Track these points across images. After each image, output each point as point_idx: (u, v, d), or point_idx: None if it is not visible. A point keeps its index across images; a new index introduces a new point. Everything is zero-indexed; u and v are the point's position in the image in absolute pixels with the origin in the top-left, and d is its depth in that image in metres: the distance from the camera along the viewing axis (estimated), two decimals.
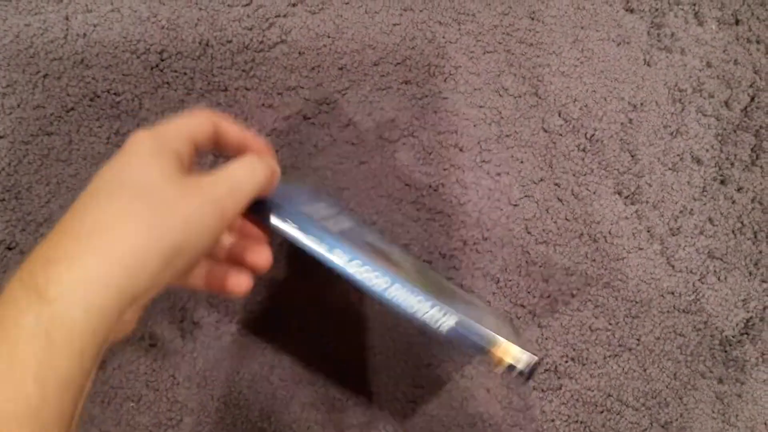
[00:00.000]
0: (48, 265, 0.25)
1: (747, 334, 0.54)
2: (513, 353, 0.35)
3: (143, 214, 0.26)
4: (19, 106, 0.54)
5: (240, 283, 0.34)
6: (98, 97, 0.55)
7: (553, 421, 0.51)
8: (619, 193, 0.57)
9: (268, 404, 0.50)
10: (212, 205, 0.29)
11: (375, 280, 0.35)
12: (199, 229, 0.28)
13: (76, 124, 0.54)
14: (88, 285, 0.24)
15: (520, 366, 0.35)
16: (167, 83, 0.56)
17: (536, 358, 0.35)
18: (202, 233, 0.28)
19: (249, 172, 0.31)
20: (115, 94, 0.55)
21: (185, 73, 0.56)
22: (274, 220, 0.35)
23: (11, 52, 0.55)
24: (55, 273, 0.24)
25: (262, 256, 0.35)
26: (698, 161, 0.59)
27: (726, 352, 0.54)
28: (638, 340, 0.53)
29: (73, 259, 0.25)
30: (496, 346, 0.35)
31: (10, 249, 0.51)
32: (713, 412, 0.52)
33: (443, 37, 0.60)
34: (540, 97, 0.59)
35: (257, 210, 0.34)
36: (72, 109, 0.55)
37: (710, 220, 0.57)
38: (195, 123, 0.32)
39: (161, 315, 0.51)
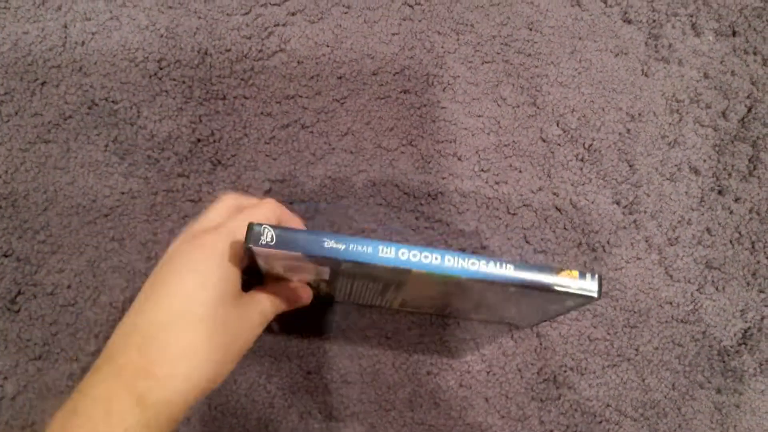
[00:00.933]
0: (147, 378, 0.34)
1: (745, 344, 0.54)
2: (576, 271, 0.37)
3: (217, 351, 0.36)
4: (16, 113, 0.54)
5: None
6: (96, 105, 0.55)
7: (551, 431, 0.51)
8: (618, 203, 0.57)
9: (266, 413, 0.49)
10: (252, 332, 0.40)
11: (426, 259, 0.36)
12: (244, 348, 0.39)
13: (74, 132, 0.54)
14: (173, 402, 0.35)
15: (588, 273, 0.37)
16: (165, 91, 0.56)
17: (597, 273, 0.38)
18: (246, 351, 0.39)
19: (276, 302, 0.43)
20: (113, 102, 0.55)
21: (184, 82, 0.56)
22: (314, 252, 0.36)
23: (9, 60, 0.55)
24: (153, 387, 0.34)
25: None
26: (696, 171, 0.59)
27: (724, 362, 0.54)
28: (637, 350, 0.53)
29: (163, 381, 0.34)
30: (562, 269, 0.37)
31: (6, 256, 0.50)
32: (711, 422, 0.52)
33: (442, 47, 0.60)
34: (538, 107, 0.59)
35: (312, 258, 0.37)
36: (70, 116, 0.54)
37: (708, 230, 0.57)
38: (263, 220, 0.39)
39: None
